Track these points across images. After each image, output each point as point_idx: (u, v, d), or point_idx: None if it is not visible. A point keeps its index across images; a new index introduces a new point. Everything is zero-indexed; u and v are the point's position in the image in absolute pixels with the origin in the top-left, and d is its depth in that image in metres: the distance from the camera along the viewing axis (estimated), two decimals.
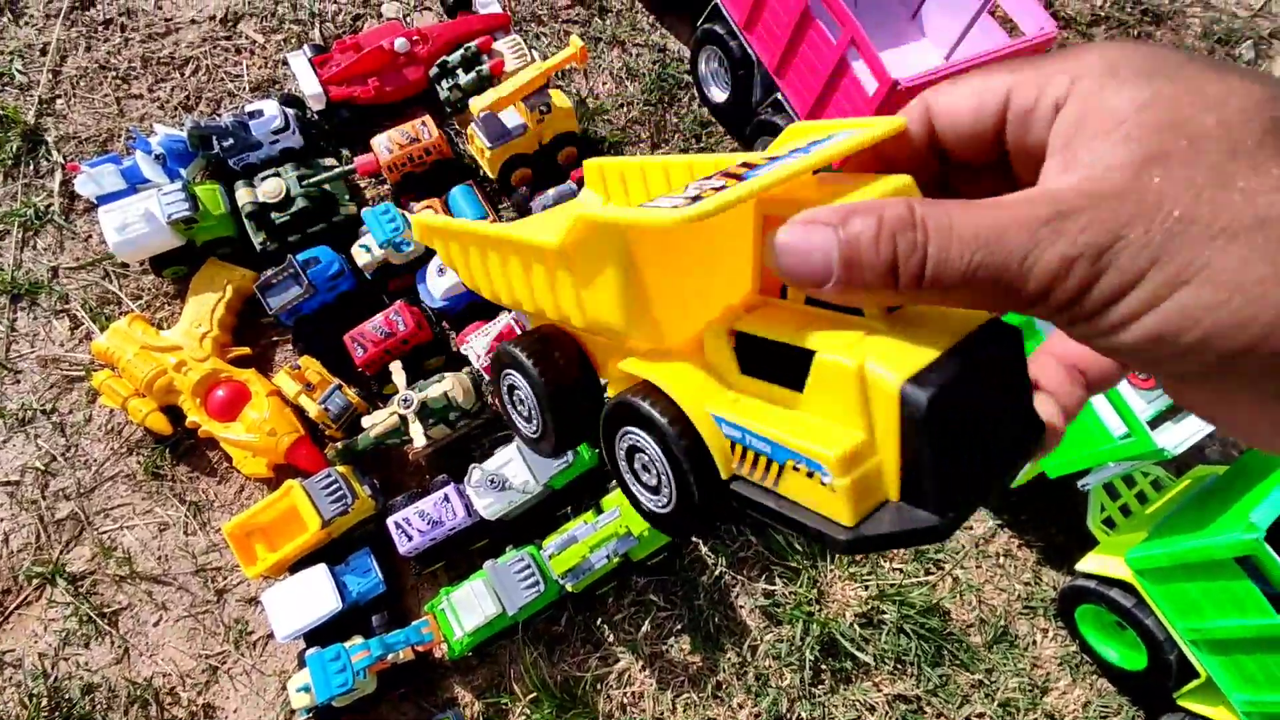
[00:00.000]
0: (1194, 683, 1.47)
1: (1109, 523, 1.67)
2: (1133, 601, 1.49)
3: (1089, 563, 1.58)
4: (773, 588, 1.63)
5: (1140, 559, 1.44)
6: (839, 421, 0.30)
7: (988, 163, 0.33)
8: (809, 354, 0.31)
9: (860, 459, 0.29)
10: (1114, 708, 1.63)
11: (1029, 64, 0.29)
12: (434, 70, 1.87)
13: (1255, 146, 0.24)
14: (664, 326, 0.36)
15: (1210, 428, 1.41)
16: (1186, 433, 1.40)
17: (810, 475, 0.30)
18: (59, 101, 1.97)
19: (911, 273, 0.27)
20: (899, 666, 1.60)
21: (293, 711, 1.55)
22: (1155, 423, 1.44)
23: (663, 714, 1.57)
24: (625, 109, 2.06)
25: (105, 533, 1.64)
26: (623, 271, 0.34)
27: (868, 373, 0.28)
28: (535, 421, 0.46)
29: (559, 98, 1.82)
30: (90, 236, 1.87)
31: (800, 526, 0.31)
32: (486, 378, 1.68)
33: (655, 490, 0.37)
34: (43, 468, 1.67)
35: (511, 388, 0.47)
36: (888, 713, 1.58)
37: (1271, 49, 2.42)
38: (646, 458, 0.37)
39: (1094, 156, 0.26)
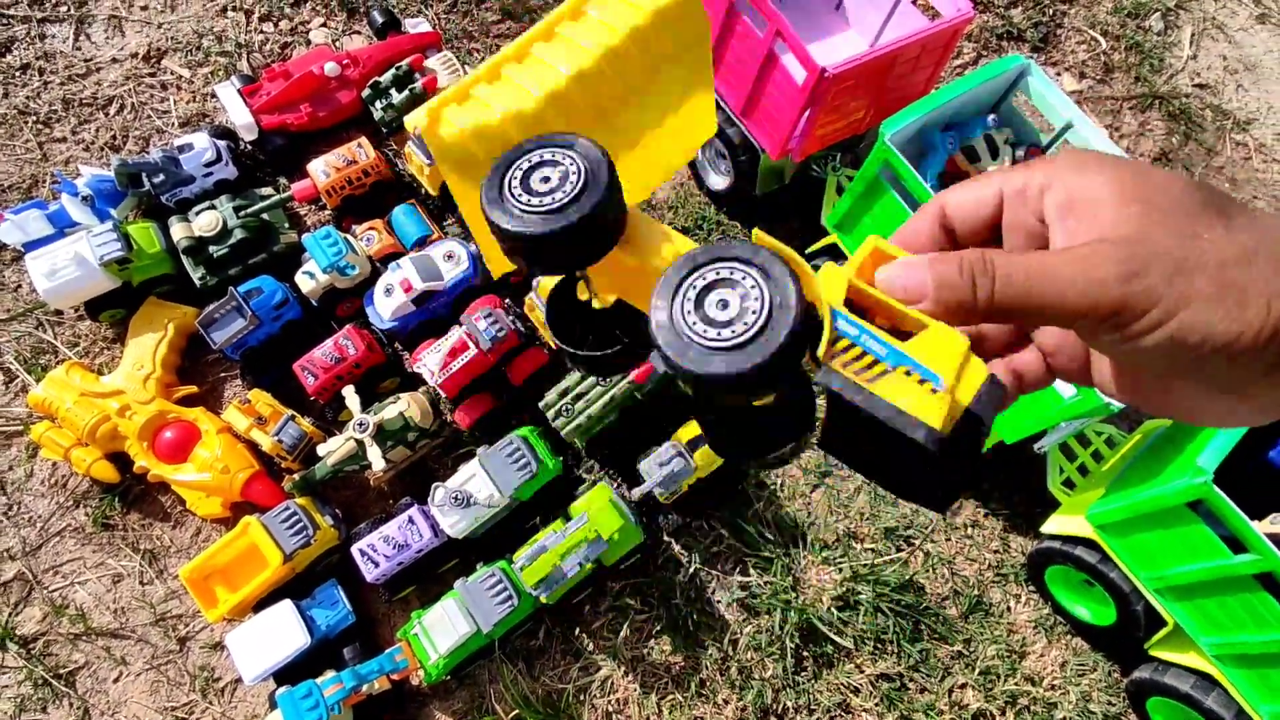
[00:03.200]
0: (1163, 631, 1.50)
1: (1069, 484, 1.70)
2: (1097, 557, 1.52)
3: (1053, 524, 1.61)
4: (748, 579, 1.63)
5: (1100, 514, 1.47)
6: (933, 360, 0.38)
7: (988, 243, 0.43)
8: (918, 324, 0.39)
9: (958, 392, 0.38)
10: (1090, 665, 1.65)
11: (1012, 169, 0.41)
12: (367, 91, 1.85)
13: (1200, 212, 0.34)
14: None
15: None
16: None
17: (921, 382, 0.37)
18: None
19: (985, 294, 0.37)
20: (879, 646, 1.61)
21: None
22: None
23: (649, 718, 1.55)
24: None
25: (55, 590, 1.58)
26: None
27: (971, 354, 0.38)
28: (564, 194, 0.44)
29: None
30: (20, 286, 1.81)
31: (894, 414, 0.38)
32: (444, 395, 1.66)
33: (724, 324, 0.39)
34: None
35: (545, 163, 0.45)
36: (871, 692, 1.59)
37: (1179, 19, 2.53)
38: (738, 295, 0.40)
39: (1096, 222, 0.36)
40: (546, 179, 0.45)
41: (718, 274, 0.41)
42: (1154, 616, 1.50)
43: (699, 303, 0.40)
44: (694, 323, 0.41)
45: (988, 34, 2.38)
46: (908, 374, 0.38)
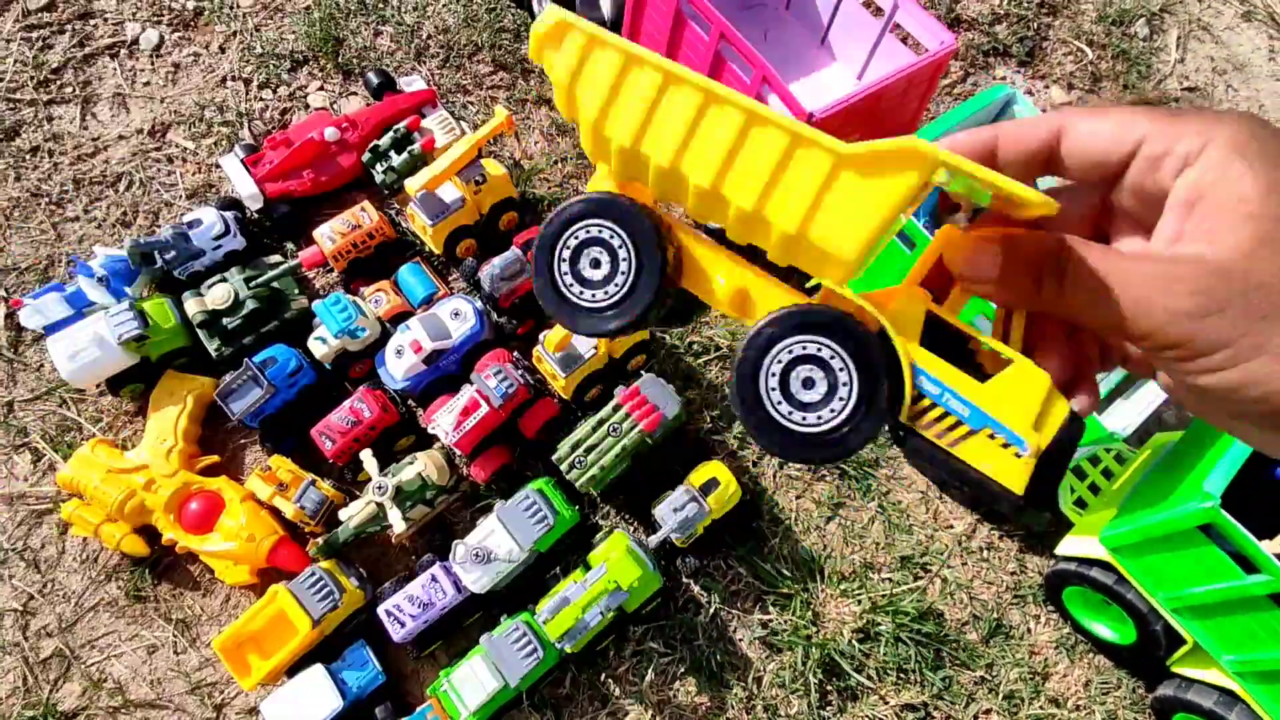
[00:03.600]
0: (1184, 649, 1.51)
1: (1080, 503, 1.72)
2: (1113, 578, 1.53)
3: (1067, 545, 1.63)
4: (768, 617, 1.65)
5: (1113, 537, 1.48)
6: (1016, 414, 0.38)
7: (1092, 185, 0.40)
8: (990, 364, 0.40)
9: (1040, 438, 0.38)
10: (1114, 682, 1.66)
11: (1166, 115, 0.35)
12: (367, 155, 1.90)
13: None
14: (854, 269, 0.39)
15: (1156, 404, 1.47)
16: (1134, 412, 1.45)
17: (1006, 446, 0.38)
18: None
19: (1050, 294, 0.35)
20: (902, 676, 1.63)
21: None
22: (1104, 404, 1.49)
23: None
24: (560, 165, 2.11)
25: (93, 665, 1.62)
26: (899, 206, 0.36)
27: (1053, 391, 0.38)
28: (619, 287, 0.44)
29: (492, 166, 1.86)
30: (42, 365, 1.86)
31: (977, 483, 0.39)
32: (459, 452, 1.69)
33: (812, 405, 0.40)
34: (21, 608, 1.64)
35: (596, 243, 0.44)
36: None
37: (1165, 23, 2.55)
38: (821, 372, 0.40)
39: (1211, 227, 0.32)
40: (597, 262, 0.44)
41: (588, 232, 0.43)
42: (1174, 634, 1.51)
43: (785, 381, 0.41)
44: (571, 284, 0.44)
45: (974, 51, 2.40)
46: (991, 437, 0.38)
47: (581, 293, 0.45)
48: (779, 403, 0.40)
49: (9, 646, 1.62)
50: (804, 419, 0.40)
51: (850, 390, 0.40)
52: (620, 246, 0.44)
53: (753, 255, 0.46)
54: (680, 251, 0.46)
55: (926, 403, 0.40)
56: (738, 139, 0.39)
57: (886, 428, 0.42)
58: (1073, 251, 0.35)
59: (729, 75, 1.71)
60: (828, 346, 0.40)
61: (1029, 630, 1.71)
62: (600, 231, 0.44)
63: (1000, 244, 0.37)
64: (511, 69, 2.24)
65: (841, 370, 0.40)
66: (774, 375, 0.41)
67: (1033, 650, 1.69)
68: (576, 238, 0.44)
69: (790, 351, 0.40)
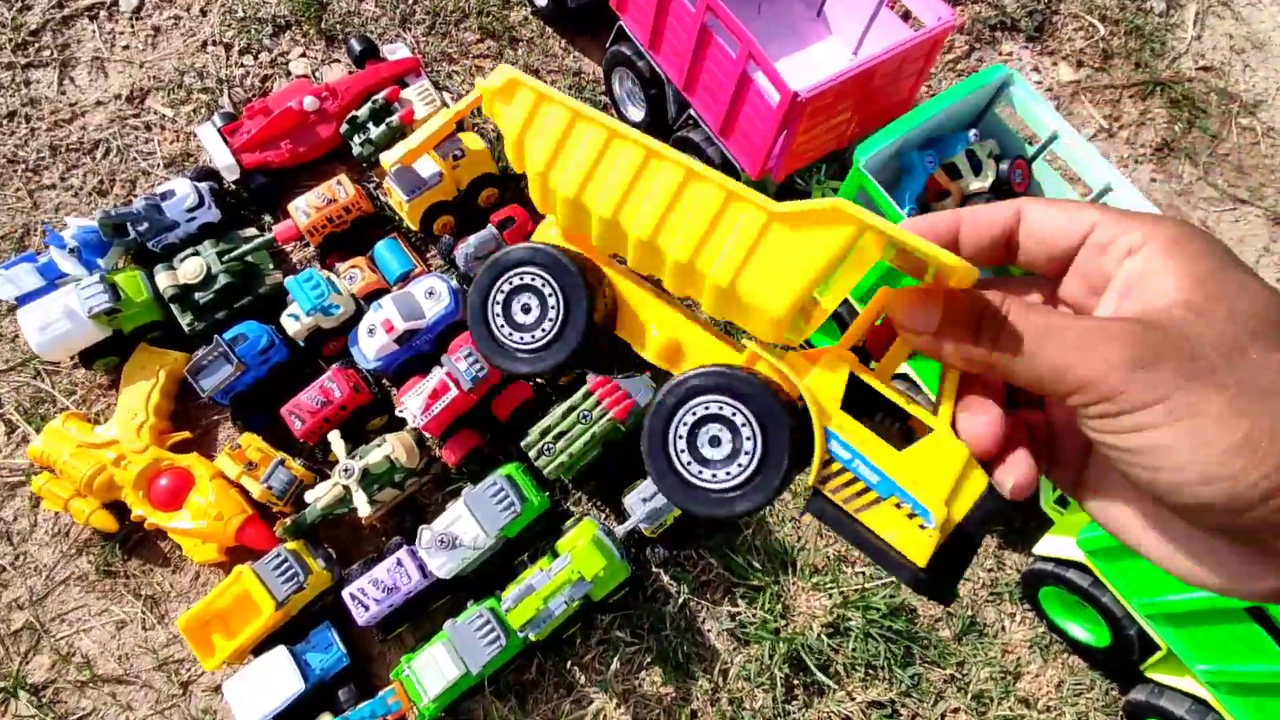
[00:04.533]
0: (1158, 655, 1.48)
1: (1062, 501, 1.68)
2: (1089, 581, 1.50)
3: (1045, 544, 1.59)
4: (737, 609, 1.63)
5: (1090, 540, 1.44)
6: (928, 485, 0.38)
7: (1041, 272, 0.41)
8: (922, 426, 0.40)
9: (953, 510, 0.38)
10: (1086, 684, 1.64)
11: (1115, 211, 0.37)
12: (344, 127, 1.85)
13: (1266, 332, 0.31)
14: (784, 326, 0.40)
15: None
16: None
17: (911, 516, 0.38)
18: None
19: (989, 336, 0.35)
20: (870, 672, 1.61)
21: None
22: None
23: None
24: None
25: (63, 638, 1.63)
26: (826, 267, 0.38)
27: (971, 463, 0.37)
28: (547, 330, 0.46)
29: (472, 140, 1.80)
30: (16, 336, 1.84)
31: (880, 552, 0.38)
32: (428, 435, 1.67)
33: (713, 462, 0.42)
34: None
35: (526, 289, 0.46)
36: None
37: None
38: (729, 433, 0.41)
39: (1148, 299, 0.33)
40: (527, 308, 0.47)
41: (520, 279, 0.46)
42: (1148, 639, 1.48)
43: (693, 440, 0.42)
44: (506, 330, 0.46)
45: (980, 25, 2.31)
46: (898, 506, 0.38)
47: (511, 334, 0.47)
48: (682, 451, 0.42)
49: None
50: (700, 473, 0.41)
51: (751, 460, 0.40)
52: (550, 294, 0.46)
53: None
54: (615, 301, 0.48)
55: (836, 467, 0.40)
56: (675, 194, 0.41)
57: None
58: (1012, 304, 0.36)
59: (715, 50, 1.64)
60: (740, 412, 0.41)
61: (1003, 628, 1.69)
62: (531, 279, 0.46)
63: (941, 296, 0.37)
64: (499, 36, 2.17)
65: (748, 439, 0.40)
66: (685, 426, 0.42)
67: (1005, 649, 1.67)
68: (510, 284, 0.46)
69: (705, 408, 0.41)
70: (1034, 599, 1.65)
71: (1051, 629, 1.67)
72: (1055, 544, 1.57)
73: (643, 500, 1.52)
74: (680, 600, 1.64)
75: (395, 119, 1.80)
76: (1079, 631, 1.61)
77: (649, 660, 1.61)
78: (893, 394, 0.41)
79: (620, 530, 1.53)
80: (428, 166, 1.77)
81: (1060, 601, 1.62)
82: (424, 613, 1.61)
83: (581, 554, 1.48)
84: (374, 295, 1.78)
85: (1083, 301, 0.39)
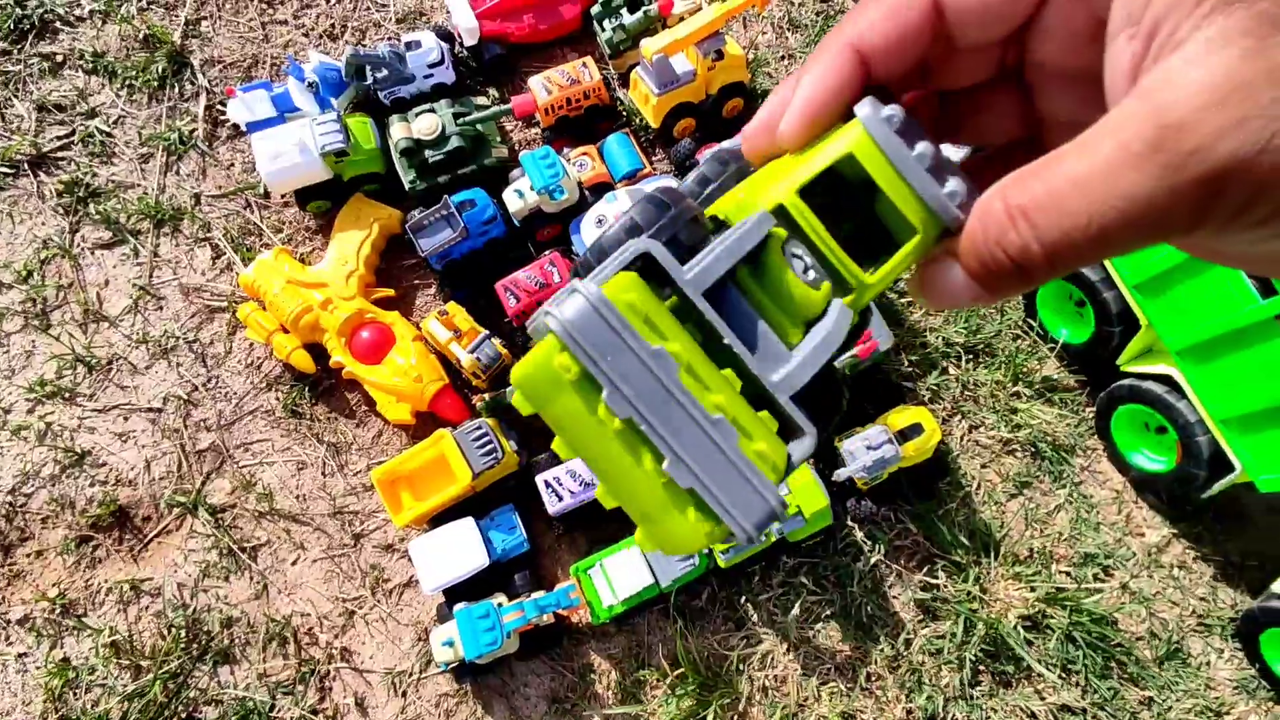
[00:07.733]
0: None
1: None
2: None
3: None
4: (934, 580, 1.54)
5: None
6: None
7: (996, 57, 0.32)
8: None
9: None
10: None
11: None
12: (596, 8, 1.77)
13: None
14: None
15: None
16: None
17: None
18: (204, 24, 1.92)
19: (1035, 263, 0.26)
20: (1064, 675, 1.51)
21: (428, 661, 1.51)
22: None
23: (807, 700, 1.50)
24: (786, 62, 1.94)
25: (245, 467, 1.62)
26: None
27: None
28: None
29: (732, 45, 1.70)
30: (233, 165, 1.82)
31: None
32: None
33: None
34: (185, 396, 1.64)
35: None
36: None
37: None
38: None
39: (1186, 55, 0.22)
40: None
41: None
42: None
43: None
44: None
45: None
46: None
47: None
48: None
49: (169, 431, 1.62)
50: None
51: None
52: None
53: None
54: None
55: None
56: None
57: None
58: (1022, 206, 0.26)
59: None
60: None
61: (1208, 663, 1.56)
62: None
63: (952, 259, 0.30)
64: None
65: None
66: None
67: (1209, 685, 1.55)
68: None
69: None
70: (1251, 640, 1.52)
71: (1263, 675, 1.54)
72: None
73: (868, 448, 1.43)
74: (872, 560, 1.55)
75: (654, 8, 1.71)
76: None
77: (829, 613, 1.53)
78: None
79: (840, 474, 1.45)
80: (682, 63, 1.68)
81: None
82: (606, 521, 1.55)
83: (802, 489, 1.40)
84: (598, 189, 1.71)
85: (1066, 61, 0.30)
